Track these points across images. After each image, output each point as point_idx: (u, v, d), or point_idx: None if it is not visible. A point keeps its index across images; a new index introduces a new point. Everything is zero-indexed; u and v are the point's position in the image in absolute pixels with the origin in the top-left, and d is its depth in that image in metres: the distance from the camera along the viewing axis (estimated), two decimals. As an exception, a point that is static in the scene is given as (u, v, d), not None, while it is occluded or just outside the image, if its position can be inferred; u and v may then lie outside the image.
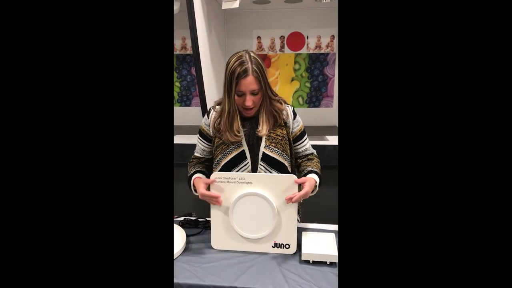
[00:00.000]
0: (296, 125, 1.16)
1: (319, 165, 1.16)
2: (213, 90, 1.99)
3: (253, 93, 1.02)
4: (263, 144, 1.10)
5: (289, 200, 0.98)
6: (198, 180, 1.10)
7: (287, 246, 1.05)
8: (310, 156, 1.19)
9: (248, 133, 1.11)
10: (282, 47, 2.40)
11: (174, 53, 2.48)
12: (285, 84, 2.45)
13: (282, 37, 2.39)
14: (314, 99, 2.47)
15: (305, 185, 1.00)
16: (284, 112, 1.13)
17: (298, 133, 1.16)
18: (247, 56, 1.01)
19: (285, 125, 1.13)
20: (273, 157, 1.10)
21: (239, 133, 1.08)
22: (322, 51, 2.38)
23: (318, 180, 1.08)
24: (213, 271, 0.94)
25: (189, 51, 2.45)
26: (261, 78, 1.01)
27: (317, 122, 2.36)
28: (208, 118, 1.15)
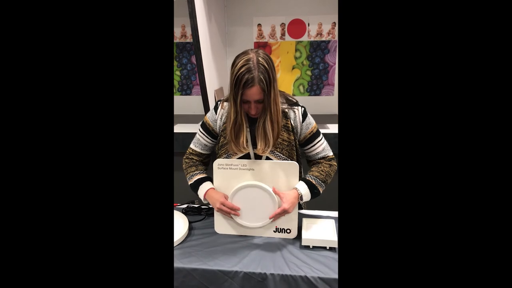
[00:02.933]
0: (305, 128, 1.09)
1: (326, 170, 1.09)
2: (213, 79, 2.00)
3: (258, 102, 0.99)
4: None
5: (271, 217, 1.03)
6: (215, 192, 1.08)
7: (288, 231, 1.08)
8: (320, 160, 1.11)
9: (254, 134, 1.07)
10: (282, 34, 2.40)
11: (174, 41, 2.48)
12: (286, 72, 2.46)
13: (282, 24, 2.38)
14: (315, 87, 2.48)
15: (282, 201, 1.02)
16: (292, 113, 1.08)
17: (308, 136, 1.09)
18: (254, 60, 0.94)
19: (293, 129, 1.08)
20: None
21: (244, 148, 1.04)
22: (323, 39, 2.38)
23: (302, 192, 1.04)
24: (216, 255, 0.98)
25: (189, 39, 2.45)
26: (267, 88, 0.95)
27: (318, 111, 2.38)
28: (216, 113, 1.12)
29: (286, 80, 2.47)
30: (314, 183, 1.07)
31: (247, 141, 1.05)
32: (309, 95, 2.50)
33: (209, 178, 1.13)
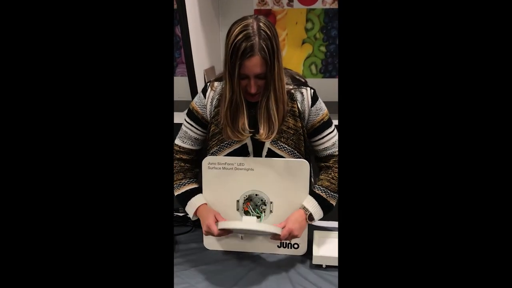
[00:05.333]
0: (315, 114, 1.09)
1: (338, 176, 1.08)
2: (203, 56, 2.00)
3: (258, 77, 0.98)
4: None
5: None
6: (207, 210, 1.08)
7: (295, 246, 1.09)
8: (329, 162, 1.11)
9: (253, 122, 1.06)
10: (290, 0, 2.39)
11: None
12: (294, 48, 2.45)
13: (290, -12, 2.37)
14: (330, 67, 2.47)
15: (287, 221, 1.02)
16: (299, 95, 1.09)
17: (317, 124, 1.10)
18: (254, 26, 0.95)
19: (300, 115, 1.09)
20: (281, 156, 1.09)
21: (243, 132, 1.03)
22: (341, 6, 2.37)
23: (311, 210, 1.05)
24: (206, 275, 0.99)
25: (173, 5, 2.44)
26: (269, 58, 0.95)
27: (334, 97, 2.38)
28: (205, 97, 1.12)
29: (294, 57, 2.46)
30: (325, 196, 1.07)
31: (246, 127, 1.03)
32: (323, 77, 2.49)
33: (201, 190, 1.13)
